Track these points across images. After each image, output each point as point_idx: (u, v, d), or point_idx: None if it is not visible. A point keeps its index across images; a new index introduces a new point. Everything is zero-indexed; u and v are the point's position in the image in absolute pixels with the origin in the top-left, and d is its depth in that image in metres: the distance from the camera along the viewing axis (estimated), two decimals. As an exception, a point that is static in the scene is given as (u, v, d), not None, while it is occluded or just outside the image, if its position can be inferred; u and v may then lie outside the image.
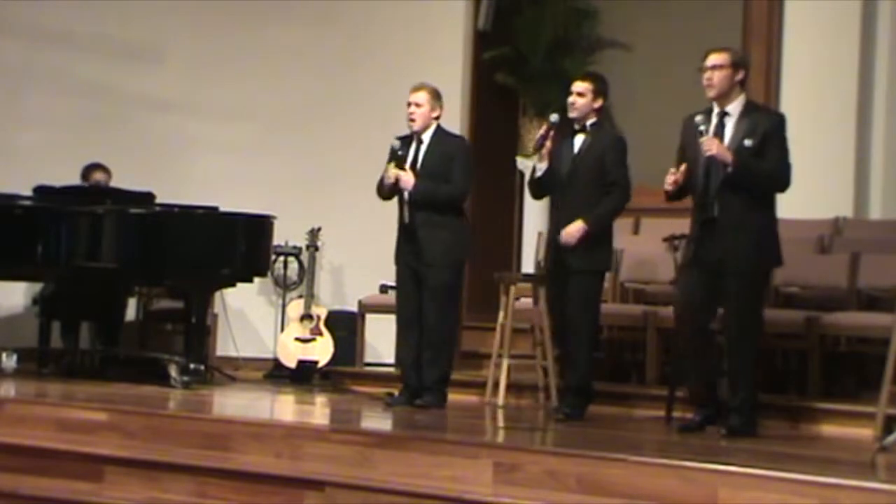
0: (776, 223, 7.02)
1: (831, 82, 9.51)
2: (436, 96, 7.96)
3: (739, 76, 6.90)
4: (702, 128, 6.83)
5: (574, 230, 7.39)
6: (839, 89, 9.48)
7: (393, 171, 7.77)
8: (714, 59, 6.90)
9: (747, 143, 6.81)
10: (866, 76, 9.51)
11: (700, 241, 6.94)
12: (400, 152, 7.86)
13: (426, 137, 7.93)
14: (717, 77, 6.87)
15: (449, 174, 7.85)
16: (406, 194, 7.82)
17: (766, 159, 6.81)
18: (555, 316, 7.73)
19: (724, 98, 6.90)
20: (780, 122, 6.95)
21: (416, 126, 7.89)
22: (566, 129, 7.60)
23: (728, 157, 6.76)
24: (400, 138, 7.92)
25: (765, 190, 6.89)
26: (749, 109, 6.92)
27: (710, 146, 6.78)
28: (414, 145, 7.93)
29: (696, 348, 6.98)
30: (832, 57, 9.52)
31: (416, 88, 7.94)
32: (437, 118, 7.95)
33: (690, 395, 7.22)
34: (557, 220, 7.57)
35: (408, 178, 7.79)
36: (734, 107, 6.91)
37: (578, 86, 7.58)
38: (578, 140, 7.56)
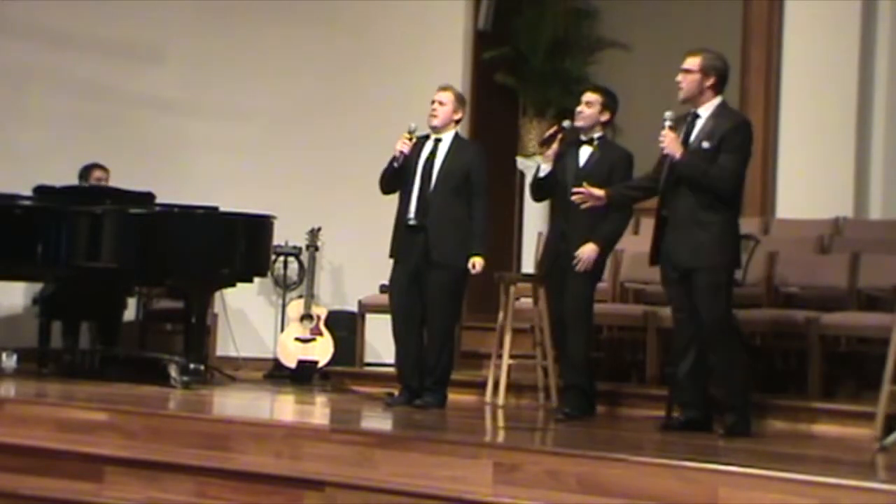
0: (734, 225, 6.95)
1: (831, 82, 9.50)
2: (460, 100, 8.01)
3: (709, 82, 6.92)
4: (667, 123, 6.87)
5: (589, 255, 7.45)
6: (839, 89, 9.47)
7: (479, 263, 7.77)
8: (687, 62, 6.96)
9: (705, 145, 6.85)
10: (866, 76, 9.51)
11: (657, 239, 7.02)
12: (415, 133, 7.85)
13: (446, 138, 7.93)
14: (686, 81, 6.94)
15: (466, 178, 7.82)
16: (415, 194, 7.82)
17: (715, 163, 6.82)
18: (554, 319, 7.77)
19: (693, 101, 6.96)
20: (737, 127, 6.91)
21: (436, 122, 7.90)
22: (573, 138, 7.65)
23: (676, 152, 6.82)
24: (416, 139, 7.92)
25: (706, 192, 6.83)
26: (718, 113, 6.94)
27: (663, 140, 6.84)
28: (431, 143, 7.92)
29: (687, 349, 7.01)
30: (832, 57, 9.52)
31: (443, 88, 7.99)
32: (457, 121, 7.98)
33: (682, 396, 7.22)
34: (560, 229, 7.63)
35: (480, 262, 7.76)
36: (704, 109, 6.95)
37: (588, 96, 7.69)
38: (584, 152, 7.63)
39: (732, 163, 6.83)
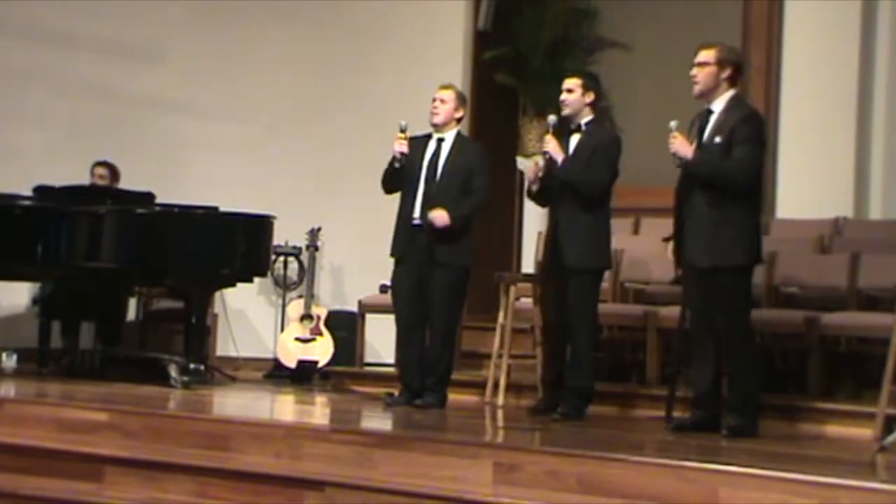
0: (754, 220, 6.89)
1: (831, 82, 9.51)
2: (461, 98, 8.00)
3: (725, 73, 6.85)
4: (672, 125, 6.81)
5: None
6: (839, 89, 9.48)
7: (438, 215, 7.71)
8: (701, 55, 6.88)
9: (717, 139, 6.77)
10: (866, 76, 9.52)
11: (679, 242, 6.95)
12: (407, 130, 7.83)
13: (448, 137, 7.92)
14: (702, 74, 6.86)
15: (469, 178, 7.82)
16: (420, 193, 7.80)
17: (730, 157, 6.74)
18: (546, 314, 7.71)
19: (708, 95, 6.88)
20: (746, 118, 6.82)
21: (438, 120, 7.88)
22: (565, 129, 7.61)
23: (687, 153, 6.74)
24: (414, 137, 7.90)
25: (721, 188, 6.73)
26: (731, 106, 6.85)
27: (671, 142, 6.78)
28: (434, 143, 7.91)
29: (706, 353, 6.92)
30: (832, 57, 9.53)
31: (445, 87, 7.98)
32: (459, 120, 7.97)
33: (695, 398, 7.12)
34: (556, 219, 7.58)
35: (441, 215, 7.71)
36: (718, 104, 6.87)
37: (567, 83, 7.63)
38: (574, 140, 7.57)
39: (747, 154, 6.71)
